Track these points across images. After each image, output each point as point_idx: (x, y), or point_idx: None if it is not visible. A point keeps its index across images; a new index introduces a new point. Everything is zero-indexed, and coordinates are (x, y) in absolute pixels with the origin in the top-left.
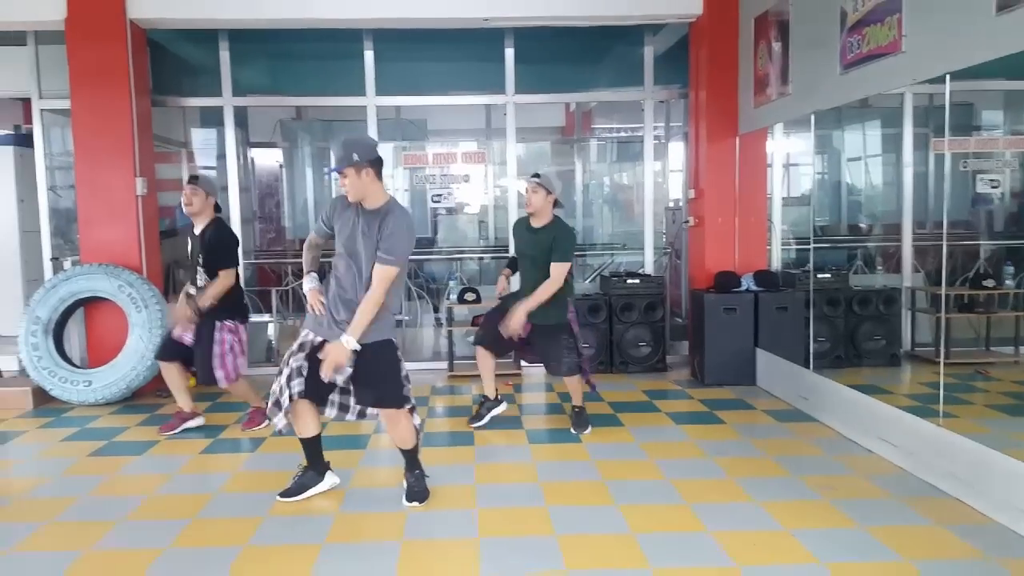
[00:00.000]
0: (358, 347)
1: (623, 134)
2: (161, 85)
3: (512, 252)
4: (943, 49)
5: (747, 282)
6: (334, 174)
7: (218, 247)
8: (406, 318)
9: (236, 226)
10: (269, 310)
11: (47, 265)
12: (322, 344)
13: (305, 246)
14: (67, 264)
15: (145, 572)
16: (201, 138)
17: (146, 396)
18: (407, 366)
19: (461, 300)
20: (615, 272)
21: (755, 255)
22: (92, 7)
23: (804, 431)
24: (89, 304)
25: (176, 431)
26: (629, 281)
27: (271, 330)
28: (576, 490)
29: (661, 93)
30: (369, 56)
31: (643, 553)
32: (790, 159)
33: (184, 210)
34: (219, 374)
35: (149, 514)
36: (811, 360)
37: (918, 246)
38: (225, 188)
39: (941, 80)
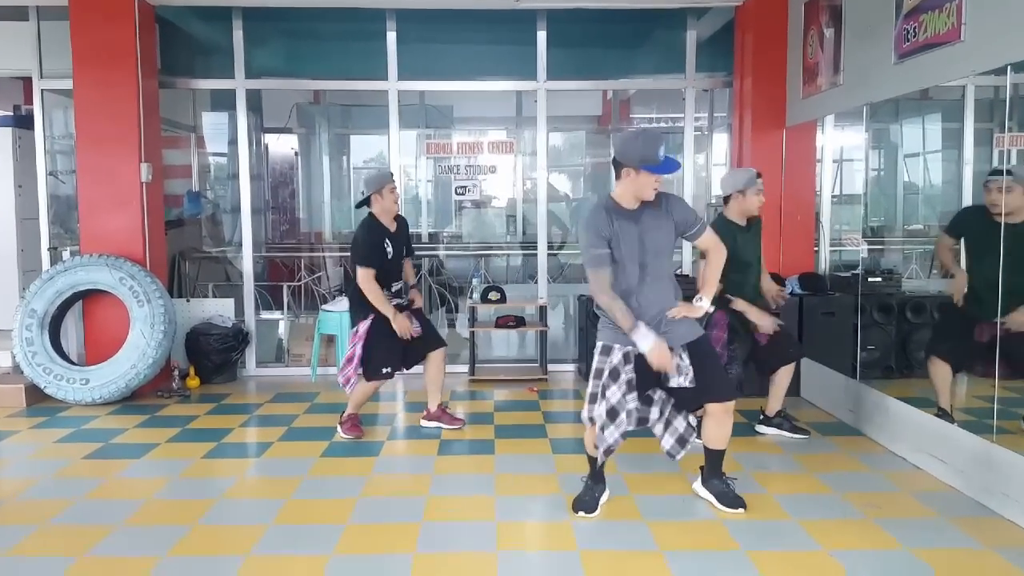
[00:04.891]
0: (711, 308)
1: (663, 124)
2: (170, 66)
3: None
4: (1005, 38)
5: (792, 285)
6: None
7: None
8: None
9: (247, 217)
10: (281, 307)
11: (45, 255)
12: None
13: (611, 297)
14: (66, 254)
15: None
16: (212, 122)
17: (146, 396)
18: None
19: (485, 299)
20: None
21: (801, 256)
22: None
23: (849, 445)
24: (88, 297)
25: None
26: None
27: (282, 328)
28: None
29: (704, 81)
30: (392, 38)
31: (671, 573)
32: (842, 154)
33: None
34: None
35: (148, 519)
36: (858, 370)
37: None
38: (235, 176)
39: (1004, 71)
